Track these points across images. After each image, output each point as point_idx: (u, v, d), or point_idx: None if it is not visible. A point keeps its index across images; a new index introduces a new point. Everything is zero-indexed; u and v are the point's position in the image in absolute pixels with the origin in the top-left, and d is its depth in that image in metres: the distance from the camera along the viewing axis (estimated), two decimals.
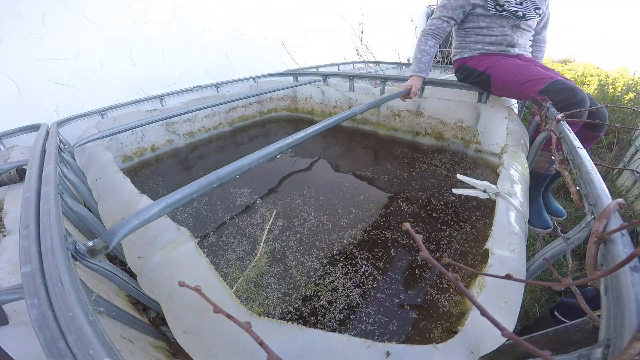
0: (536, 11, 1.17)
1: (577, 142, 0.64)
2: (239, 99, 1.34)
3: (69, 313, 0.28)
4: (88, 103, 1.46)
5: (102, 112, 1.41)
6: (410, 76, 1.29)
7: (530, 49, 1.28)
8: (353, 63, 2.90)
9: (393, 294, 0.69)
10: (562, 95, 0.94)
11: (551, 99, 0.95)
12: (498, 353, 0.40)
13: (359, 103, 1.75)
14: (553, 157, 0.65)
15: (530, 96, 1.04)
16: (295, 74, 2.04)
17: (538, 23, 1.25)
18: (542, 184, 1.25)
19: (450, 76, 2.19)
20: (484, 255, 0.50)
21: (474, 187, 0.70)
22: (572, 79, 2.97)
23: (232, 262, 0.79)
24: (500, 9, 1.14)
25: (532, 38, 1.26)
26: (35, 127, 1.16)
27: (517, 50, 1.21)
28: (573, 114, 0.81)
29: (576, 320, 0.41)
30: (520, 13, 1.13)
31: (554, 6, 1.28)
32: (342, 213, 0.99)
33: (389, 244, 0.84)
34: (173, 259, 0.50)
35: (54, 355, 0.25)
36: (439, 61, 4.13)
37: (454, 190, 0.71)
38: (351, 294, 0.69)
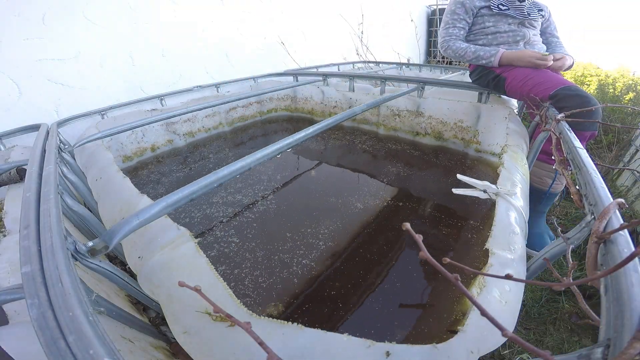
0: (539, 12, 1.18)
1: (577, 142, 0.64)
2: (239, 99, 1.34)
3: (69, 313, 0.28)
4: (88, 103, 1.46)
5: (102, 112, 1.41)
6: (499, 59, 1.14)
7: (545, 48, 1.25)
8: (353, 63, 2.90)
9: (393, 293, 0.69)
10: (573, 101, 0.91)
11: (560, 105, 0.93)
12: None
13: (359, 103, 1.75)
14: (555, 168, 0.65)
15: (529, 96, 1.03)
16: (295, 74, 2.04)
17: (542, 24, 1.25)
18: (546, 204, 1.18)
19: (451, 76, 2.19)
20: (484, 255, 0.50)
21: (474, 187, 0.70)
22: (571, 79, 2.97)
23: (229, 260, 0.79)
24: (503, 8, 1.15)
25: (539, 36, 1.24)
26: (35, 127, 1.16)
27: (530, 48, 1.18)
28: (573, 113, 0.81)
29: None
30: (525, 12, 1.15)
31: (556, 7, 1.28)
32: (341, 213, 0.99)
33: (389, 244, 0.84)
34: (173, 259, 0.50)
35: (54, 355, 0.25)
36: (439, 61, 4.14)
37: (454, 190, 0.71)
38: (351, 293, 0.69)
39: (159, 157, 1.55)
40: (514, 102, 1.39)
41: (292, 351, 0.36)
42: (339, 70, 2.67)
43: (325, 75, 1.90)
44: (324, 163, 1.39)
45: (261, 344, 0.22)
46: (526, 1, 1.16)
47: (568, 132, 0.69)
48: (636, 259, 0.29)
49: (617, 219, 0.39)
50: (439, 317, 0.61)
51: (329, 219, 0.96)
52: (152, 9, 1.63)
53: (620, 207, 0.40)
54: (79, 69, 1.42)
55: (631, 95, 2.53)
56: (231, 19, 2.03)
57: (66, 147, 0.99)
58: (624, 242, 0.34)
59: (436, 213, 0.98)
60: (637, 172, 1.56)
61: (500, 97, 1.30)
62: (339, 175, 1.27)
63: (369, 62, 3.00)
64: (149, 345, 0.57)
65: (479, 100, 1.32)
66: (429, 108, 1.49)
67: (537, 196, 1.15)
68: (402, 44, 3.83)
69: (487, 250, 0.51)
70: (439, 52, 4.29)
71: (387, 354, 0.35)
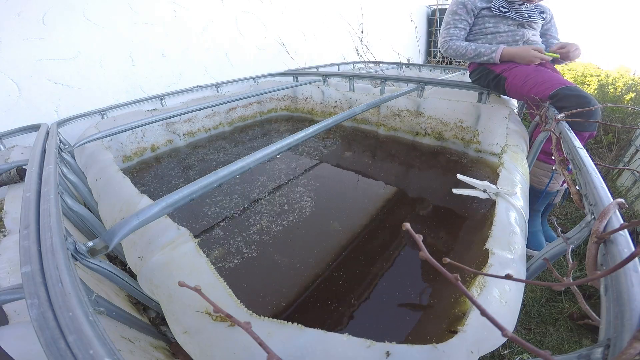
0: (540, 15, 1.19)
1: (577, 142, 0.64)
2: (239, 99, 1.34)
3: (69, 313, 0.28)
4: (88, 103, 1.45)
5: (102, 112, 1.41)
6: (500, 54, 1.15)
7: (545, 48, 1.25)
8: (353, 63, 2.90)
9: (393, 294, 0.69)
10: (573, 101, 0.91)
11: (560, 105, 0.93)
12: None
13: (359, 103, 1.75)
14: (555, 168, 0.65)
15: (529, 96, 1.03)
16: (295, 74, 2.04)
17: (543, 25, 1.26)
18: (542, 203, 1.19)
19: (451, 76, 2.19)
20: (484, 255, 0.50)
21: (474, 187, 0.70)
22: (572, 79, 2.97)
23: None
24: (504, 10, 1.17)
25: (538, 37, 1.25)
26: (35, 127, 1.16)
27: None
28: (573, 114, 0.81)
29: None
30: (525, 14, 1.16)
31: (560, 8, 1.29)
32: (341, 213, 0.99)
33: (389, 244, 0.84)
34: (173, 259, 0.50)
35: (54, 355, 0.25)
36: (439, 61, 4.13)
37: (454, 190, 0.71)
38: (351, 293, 0.69)
39: (159, 157, 1.55)
40: (514, 102, 1.39)
41: (292, 351, 0.36)
42: (339, 70, 2.67)
43: (325, 75, 1.90)
44: (324, 163, 1.39)
45: (261, 344, 0.22)
46: (526, 4, 1.17)
47: (568, 132, 0.69)
48: (636, 259, 0.29)
49: (617, 219, 0.39)
50: (439, 317, 0.61)
51: (329, 218, 0.96)
52: (152, 9, 1.63)
53: (620, 207, 0.40)
54: (79, 69, 1.42)
55: (631, 95, 2.53)
56: (231, 19, 2.03)
57: (66, 147, 0.99)
58: (624, 242, 0.34)
59: (436, 213, 0.98)
60: (637, 172, 1.56)
61: (500, 97, 1.30)
62: (339, 175, 1.26)
63: (369, 62, 3.00)
64: (149, 345, 0.57)
65: (479, 100, 1.32)
66: (429, 108, 1.49)
67: (532, 195, 1.16)
68: (402, 44, 3.83)
69: (487, 250, 0.50)
70: (439, 52, 4.29)
71: (387, 354, 0.35)
